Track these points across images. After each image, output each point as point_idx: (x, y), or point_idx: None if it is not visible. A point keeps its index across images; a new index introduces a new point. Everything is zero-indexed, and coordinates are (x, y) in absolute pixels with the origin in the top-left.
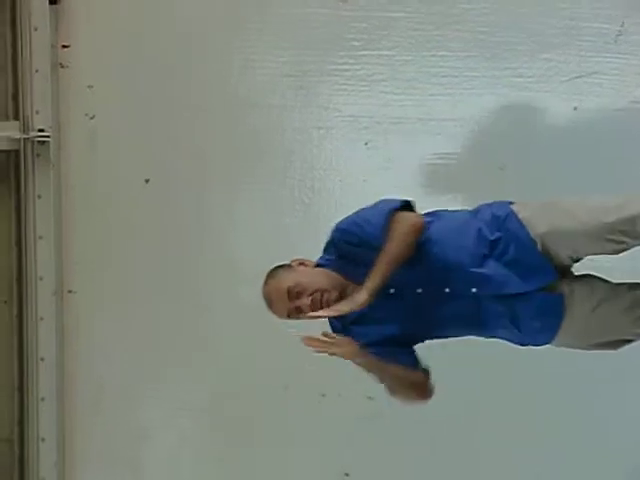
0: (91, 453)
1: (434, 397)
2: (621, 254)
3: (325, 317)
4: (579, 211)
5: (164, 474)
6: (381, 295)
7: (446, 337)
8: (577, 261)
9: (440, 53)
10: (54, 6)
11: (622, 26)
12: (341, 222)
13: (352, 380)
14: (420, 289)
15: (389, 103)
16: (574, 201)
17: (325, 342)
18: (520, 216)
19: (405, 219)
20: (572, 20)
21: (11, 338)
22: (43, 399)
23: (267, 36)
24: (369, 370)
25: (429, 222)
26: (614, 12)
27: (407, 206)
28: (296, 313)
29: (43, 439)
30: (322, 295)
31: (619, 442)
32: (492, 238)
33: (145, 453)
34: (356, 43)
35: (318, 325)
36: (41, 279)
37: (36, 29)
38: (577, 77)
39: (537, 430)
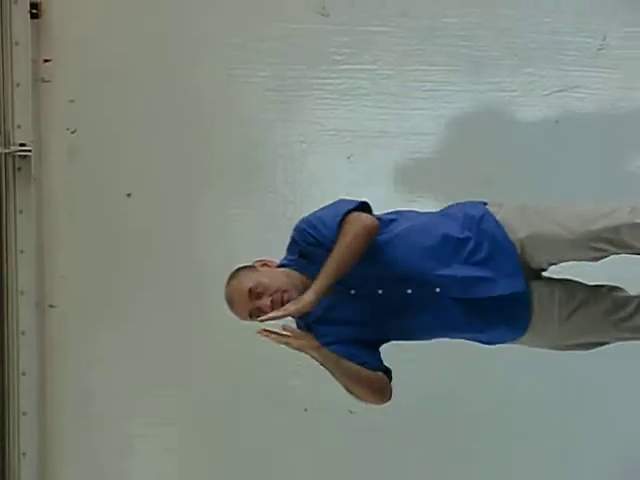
0: (73, 468)
1: (422, 408)
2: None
3: (277, 318)
4: (564, 217)
5: None
6: (342, 296)
7: (412, 339)
8: (552, 265)
9: (422, 67)
10: (35, 20)
11: (604, 40)
12: (300, 221)
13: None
14: (380, 290)
15: (372, 117)
16: (557, 207)
17: (282, 335)
18: (497, 217)
19: (357, 220)
20: (554, 34)
21: None
22: (25, 414)
23: (249, 50)
24: (326, 366)
25: (392, 221)
26: (596, 26)
27: (364, 207)
28: (257, 313)
29: (24, 454)
30: (282, 295)
31: (618, 442)
32: (461, 236)
33: (128, 468)
34: (338, 57)
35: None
36: (22, 293)
37: (17, 43)
38: (559, 91)
39: (534, 436)
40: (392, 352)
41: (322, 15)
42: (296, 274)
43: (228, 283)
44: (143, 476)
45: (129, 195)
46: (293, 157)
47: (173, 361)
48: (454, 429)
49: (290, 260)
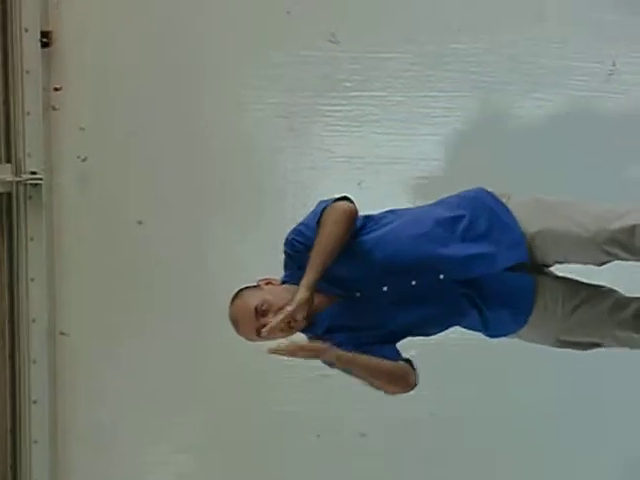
0: None
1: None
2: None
3: (280, 325)
4: (578, 216)
5: None
6: (348, 301)
7: (425, 332)
8: (558, 263)
9: (431, 93)
10: (46, 49)
11: (613, 65)
12: (288, 234)
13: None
14: (385, 287)
15: (381, 144)
16: (572, 203)
17: (293, 348)
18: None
19: (332, 209)
20: (563, 59)
21: (4, 380)
22: (36, 442)
23: (259, 78)
24: (344, 367)
25: (384, 217)
26: (606, 51)
27: (344, 200)
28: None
29: None
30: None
31: (619, 440)
32: (453, 215)
33: None
34: (348, 84)
35: None
36: (34, 321)
37: (28, 72)
38: (569, 116)
39: (536, 436)
40: None
41: (332, 42)
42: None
43: (232, 303)
44: None
45: (140, 222)
46: (303, 184)
47: (185, 388)
48: (466, 451)
49: (288, 275)
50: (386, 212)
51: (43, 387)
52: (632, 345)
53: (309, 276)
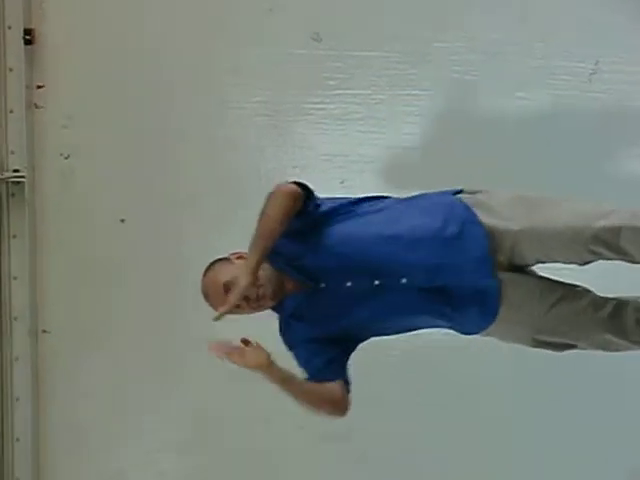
0: None
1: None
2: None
3: (227, 312)
4: (562, 213)
5: None
6: (313, 291)
7: (386, 333)
8: (541, 263)
9: (415, 92)
10: (29, 47)
11: (596, 65)
12: None
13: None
14: (349, 282)
15: (365, 142)
16: (556, 201)
17: (228, 350)
18: (488, 204)
19: (276, 190)
20: (546, 59)
21: None
22: (18, 439)
23: (242, 76)
24: (276, 385)
25: (354, 204)
26: (588, 51)
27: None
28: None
29: (18, 479)
30: (257, 290)
31: (619, 442)
32: (425, 219)
33: None
34: (331, 82)
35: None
36: (16, 319)
37: (11, 70)
38: (551, 116)
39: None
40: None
41: (315, 40)
42: (269, 267)
43: (204, 276)
44: None
45: (123, 221)
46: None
47: (167, 386)
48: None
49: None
50: (364, 198)
51: (25, 385)
52: (606, 347)
53: (250, 258)
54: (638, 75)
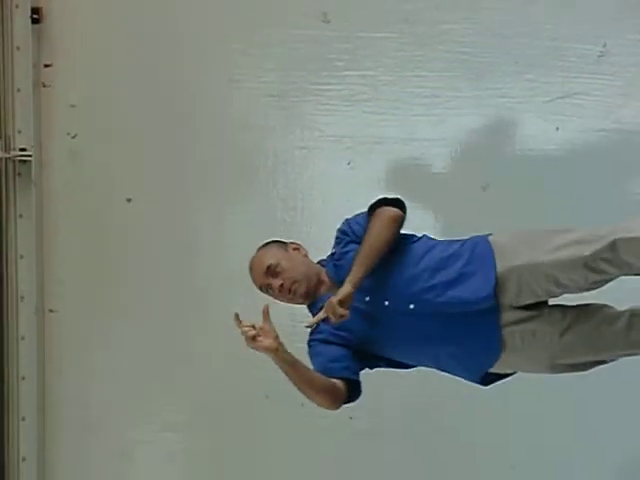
0: (73, 473)
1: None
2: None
3: (321, 318)
4: (561, 241)
5: None
6: (358, 301)
7: (401, 363)
8: (552, 297)
9: (423, 73)
10: (36, 25)
11: (604, 47)
12: (343, 221)
13: None
14: (368, 297)
15: (372, 123)
16: (554, 231)
17: (248, 328)
18: (499, 245)
19: (383, 212)
20: (555, 41)
21: None
22: (24, 419)
23: (250, 56)
24: (284, 371)
25: (418, 240)
26: (597, 33)
27: (394, 203)
28: (266, 289)
29: (24, 458)
30: (292, 284)
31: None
32: (447, 254)
33: (128, 473)
34: (339, 63)
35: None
36: (22, 298)
37: (18, 48)
38: (559, 98)
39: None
40: None
41: (323, 21)
42: (317, 268)
43: (258, 249)
44: None
45: (129, 200)
46: (293, 163)
47: (173, 366)
48: (453, 436)
49: (326, 257)
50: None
51: (31, 364)
52: (633, 353)
53: (355, 274)
54: None
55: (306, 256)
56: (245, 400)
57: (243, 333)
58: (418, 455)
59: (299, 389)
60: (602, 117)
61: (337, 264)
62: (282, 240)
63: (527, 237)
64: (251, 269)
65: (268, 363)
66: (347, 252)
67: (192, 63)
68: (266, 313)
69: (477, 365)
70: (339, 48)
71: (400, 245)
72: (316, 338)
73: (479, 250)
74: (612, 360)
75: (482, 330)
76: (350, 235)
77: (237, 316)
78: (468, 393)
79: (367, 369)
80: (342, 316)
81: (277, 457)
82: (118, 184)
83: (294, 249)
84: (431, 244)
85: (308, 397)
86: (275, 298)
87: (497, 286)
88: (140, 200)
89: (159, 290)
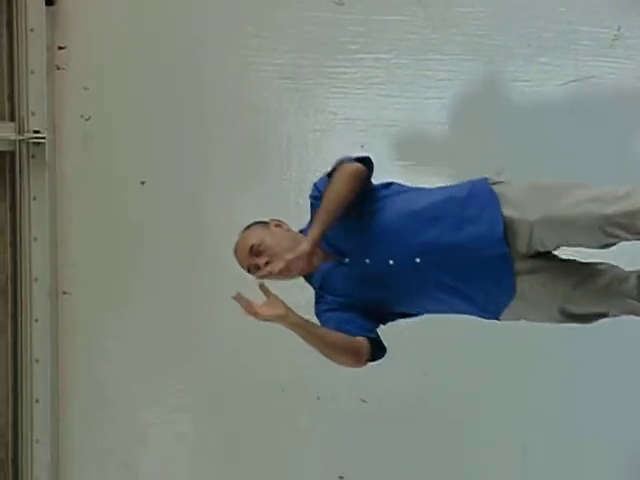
0: (86, 455)
1: (430, 397)
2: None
3: (273, 273)
4: (578, 200)
5: (160, 476)
6: (338, 263)
7: (410, 313)
8: (560, 247)
9: (436, 57)
10: (50, 7)
11: (618, 30)
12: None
13: (346, 383)
14: (368, 259)
15: (385, 106)
16: (571, 187)
17: (251, 304)
18: (507, 195)
19: (343, 167)
20: (569, 24)
21: (5, 339)
22: (37, 401)
23: (264, 39)
24: (300, 335)
25: (390, 191)
26: (610, 16)
27: (361, 161)
28: (254, 270)
29: (37, 441)
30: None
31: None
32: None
33: (141, 455)
34: (353, 46)
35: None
36: (36, 280)
37: (32, 30)
38: (573, 81)
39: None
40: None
41: (337, 4)
42: (302, 239)
43: (242, 232)
44: (155, 463)
45: (143, 183)
46: (307, 145)
47: (185, 348)
48: (464, 419)
49: (306, 226)
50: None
51: (45, 346)
52: (637, 313)
53: (313, 230)
54: None
55: (289, 230)
56: (259, 384)
57: (246, 309)
58: (425, 440)
59: (320, 351)
60: (616, 100)
61: None
62: (263, 220)
63: (543, 190)
64: (236, 252)
65: (283, 353)
66: None
67: (206, 45)
68: (264, 288)
69: (494, 304)
70: (353, 31)
71: (387, 201)
72: (323, 309)
73: (482, 196)
74: (615, 316)
75: (496, 274)
76: (318, 195)
77: (239, 295)
78: (483, 376)
79: (381, 325)
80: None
81: (290, 443)
82: (131, 167)
83: (276, 226)
84: (423, 193)
85: (330, 358)
86: (268, 278)
87: (508, 233)
88: (153, 183)
89: (172, 273)
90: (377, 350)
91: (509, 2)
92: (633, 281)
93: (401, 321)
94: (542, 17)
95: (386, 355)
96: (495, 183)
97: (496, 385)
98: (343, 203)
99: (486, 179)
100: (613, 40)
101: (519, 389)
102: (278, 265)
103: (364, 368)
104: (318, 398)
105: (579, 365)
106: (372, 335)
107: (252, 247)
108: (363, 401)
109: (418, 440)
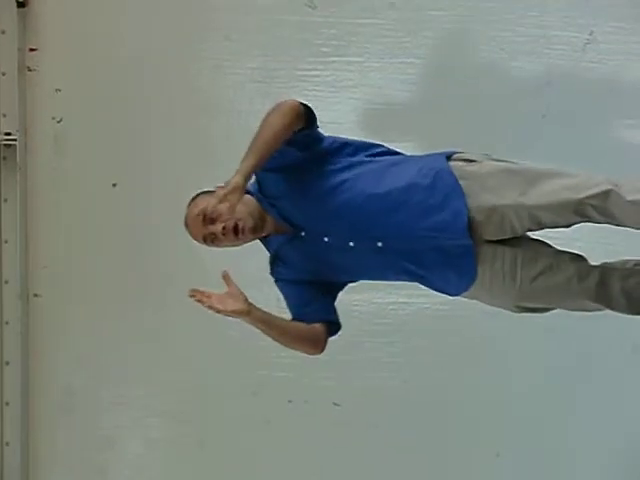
0: (56, 458)
1: (409, 396)
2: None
3: (230, 235)
4: (553, 187)
5: None
6: (293, 236)
7: (358, 280)
8: (530, 230)
9: (409, 60)
10: (22, 9)
11: (591, 35)
12: None
13: (319, 387)
14: (327, 238)
15: (358, 109)
16: (546, 173)
17: (209, 297)
18: (479, 176)
19: (278, 104)
20: (541, 29)
21: None
22: (7, 404)
23: (235, 42)
24: (260, 330)
25: (348, 155)
26: (583, 21)
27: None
28: (211, 238)
29: (7, 444)
30: (237, 222)
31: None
32: (411, 182)
33: (111, 459)
34: (325, 49)
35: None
36: (6, 283)
37: (3, 32)
38: (546, 85)
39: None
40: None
41: (309, 7)
42: (254, 203)
43: (188, 205)
44: (126, 467)
45: (114, 185)
46: None
47: (157, 352)
48: (442, 421)
49: (254, 189)
50: (362, 146)
51: (15, 349)
52: (587, 310)
53: (243, 163)
54: (632, 45)
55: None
56: (232, 389)
57: (204, 304)
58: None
59: (280, 343)
60: (588, 105)
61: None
62: (208, 189)
63: (518, 175)
64: (187, 226)
65: (255, 352)
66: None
67: (179, 48)
68: (227, 278)
69: (454, 288)
70: (326, 34)
71: (350, 174)
72: (279, 278)
73: (446, 185)
74: (566, 309)
75: (458, 264)
76: None
77: (193, 291)
78: (462, 379)
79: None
80: (231, 206)
81: (261, 445)
82: (103, 169)
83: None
84: (378, 167)
85: (291, 348)
86: (222, 245)
87: (475, 219)
88: (125, 185)
89: (144, 275)
90: (333, 329)
91: (482, 6)
92: (593, 279)
93: (381, 329)
94: (514, 22)
95: (363, 359)
96: (467, 160)
97: (474, 392)
98: (276, 136)
99: (455, 153)
100: (585, 44)
101: (497, 398)
102: (230, 223)
103: (337, 372)
104: (290, 401)
105: (557, 376)
106: (331, 318)
107: (205, 215)
108: (336, 405)
109: (392, 445)
